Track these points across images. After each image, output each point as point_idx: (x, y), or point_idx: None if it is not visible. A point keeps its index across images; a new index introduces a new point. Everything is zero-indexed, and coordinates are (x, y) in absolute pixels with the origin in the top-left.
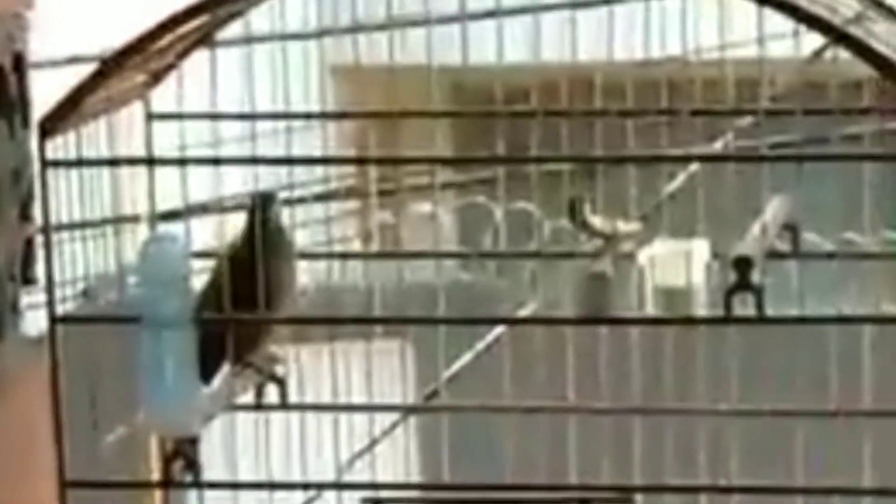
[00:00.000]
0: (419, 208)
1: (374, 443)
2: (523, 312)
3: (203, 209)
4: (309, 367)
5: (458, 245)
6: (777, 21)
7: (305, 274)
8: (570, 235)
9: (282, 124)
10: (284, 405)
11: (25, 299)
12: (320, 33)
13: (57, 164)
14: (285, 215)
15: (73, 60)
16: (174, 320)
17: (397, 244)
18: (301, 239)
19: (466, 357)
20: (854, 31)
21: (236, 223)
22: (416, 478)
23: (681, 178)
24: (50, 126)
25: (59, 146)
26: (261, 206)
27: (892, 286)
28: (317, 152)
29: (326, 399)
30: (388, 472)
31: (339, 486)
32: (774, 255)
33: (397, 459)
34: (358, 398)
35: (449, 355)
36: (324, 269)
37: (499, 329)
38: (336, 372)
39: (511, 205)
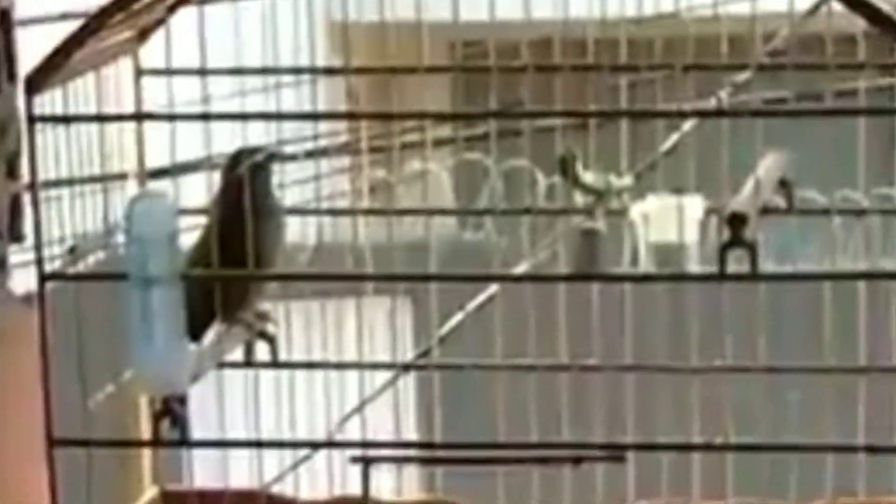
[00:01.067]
0: (414, 165)
1: (364, 402)
2: (517, 270)
3: (192, 167)
4: (300, 324)
5: (456, 202)
6: None
7: (298, 231)
8: (565, 192)
9: (272, 80)
10: (275, 363)
11: (13, 257)
12: None
13: (44, 119)
14: (276, 172)
15: (62, 17)
16: (162, 278)
17: (392, 201)
18: (293, 196)
19: (458, 316)
20: None
21: None
22: (411, 435)
23: (674, 134)
24: (37, 81)
25: (47, 102)
26: (241, 160)
27: (888, 242)
28: (308, 108)
29: (318, 357)
30: (383, 429)
31: (330, 444)
32: (769, 210)
33: (392, 416)
34: (350, 356)
35: (449, 312)
36: (316, 226)
37: (493, 286)
38: (326, 329)
39: (505, 161)
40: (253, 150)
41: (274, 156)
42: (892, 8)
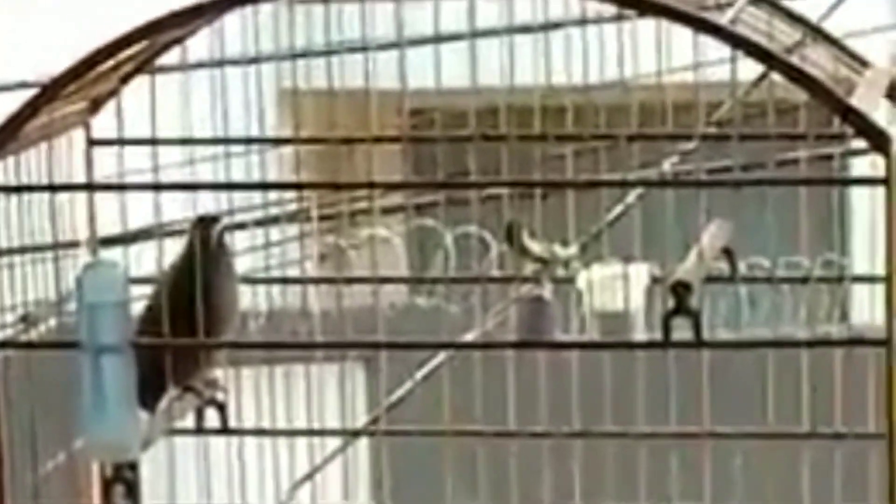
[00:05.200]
0: (368, 232)
1: (315, 469)
2: (468, 336)
3: (143, 235)
4: (249, 391)
5: (409, 268)
6: (715, 46)
7: (249, 299)
8: (515, 259)
9: (222, 150)
10: (225, 429)
11: None
12: (259, 59)
13: None
14: (227, 240)
15: (16, 86)
16: (113, 346)
17: (342, 268)
18: (244, 264)
19: (408, 384)
20: (790, 57)
21: (176, 249)
22: (363, 501)
23: (620, 204)
24: None
25: None
26: (201, 229)
27: (835, 308)
28: (258, 177)
29: (268, 423)
30: (335, 496)
31: None
32: (713, 279)
33: (344, 483)
34: (301, 423)
35: (402, 379)
36: (266, 294)
37: (443, 354)
38: (275, 396)
39: (457, 228)
40: (212, 219)
41: (229, 225)
42: (829, 79)
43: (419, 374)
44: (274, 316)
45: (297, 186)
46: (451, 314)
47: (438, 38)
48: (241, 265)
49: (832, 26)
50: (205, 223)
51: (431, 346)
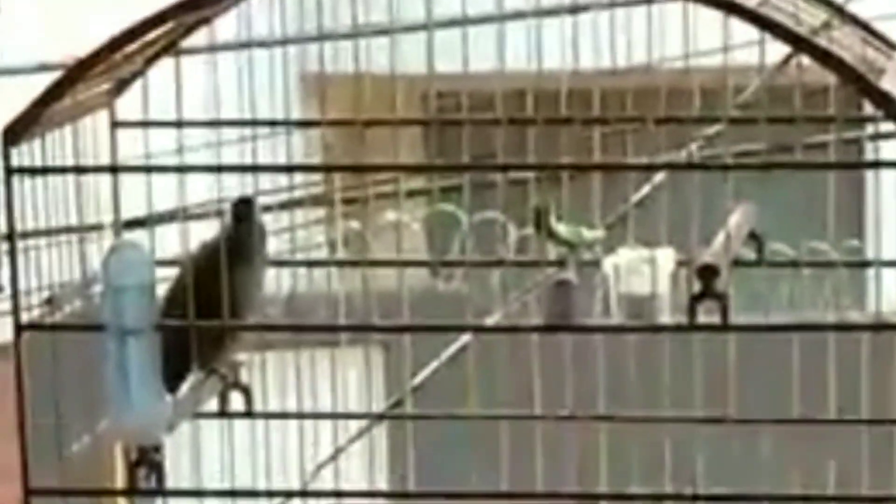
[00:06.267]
0: (387, 216)
1: (338, 451)
2: (489, 320)
3: (168, 217)
4: (275, 374)
5: (428, 253)
6: (742, 30)
7: (273, 282)
8: (537, 243)
9: (247, 132)
10: (249, 413)
11: None
12: (286, 41)
13: (22, 171)
14: (261, 223)
15: (40, 68)
16: (138, 328)
17: (365, 252)
18: (269, 247)
19: (432, 365)
20: (817, 39)
21: (201, 231)
22: (383, 485)
23: (646, 186)
24: (15, 133)
25: (25, 153)
26: (242, 212)
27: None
28: (283, 160)
29: (292, 407)
30: (357, 479)
31: (305, 493)
32: (739, 263)
33: (366, 466)
34: (324, 406)
35: (420, 362)
36: (291, 277)
37: (466, 337)
38: (301, 379)
39: (478, 213)
40: (247, 201)
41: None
42: (857, 62)
43: (444, 357)
44: (296, 299)
45: (323, 169)
46: (472, 298)
47: (466, 21)
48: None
49: (859, 9)
50: (240, 205)
51: (458, 328)
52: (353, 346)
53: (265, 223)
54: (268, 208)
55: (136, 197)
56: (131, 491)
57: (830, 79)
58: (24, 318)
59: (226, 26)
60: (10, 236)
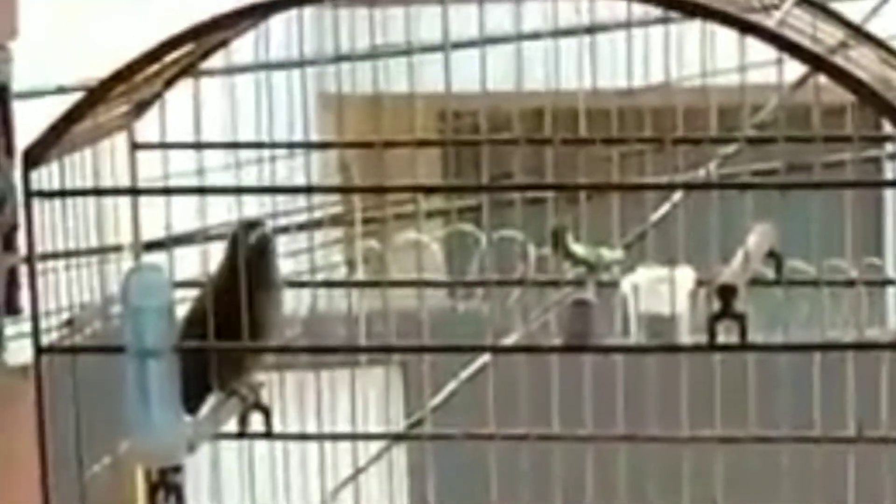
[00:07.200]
0: (405, 236)
1: (358, 472)
2: (508, 340)
3: (187, 239)
4: (294, 394)
5: (447, 273)
6: (759, 49)
7: (291, 302)
8: (555, 262)
9: (266, 153)
10: (269, 434)
11: (9, 329)
12: (303, 62)
13: (41, 193)
14: (272, 243)
15: (59, 91)
16: (158, 350)
17: (383, 272)
18: (286, 267)
19: (451, 385)
20: (835, 58)
21: (220, 253)
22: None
23: (664, 206)
24: (35, 156)
25: (44, 176)
26: (244, 233)
27: (875, 312)
28: (301, 181)
29: (312, 428)
30: (377, 500)
31: None
32: (758, 282)
33: (385, 487)
34: (344, 426)
35: (439, 382)
36: (309, 297)
37: (485, 356)
38: (321, 400)
39: (497, 232)
40: (255, 223)
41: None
42: (876, 81)
43: (463, 376)
44: (315, 320)
45: (342, 190)
46: (491, 318)
47: (483, 41)
48: (283, 269)
49: (877, 29)
50: (248, 227)
51: (477, 349)
52: (373, 366)
53: (278, 243)
54: (286, 229)
55: (155, 219)
56: None
57: (849, 98)
58: (44, 340)
59: (244, 48)
60: (30, 259)
